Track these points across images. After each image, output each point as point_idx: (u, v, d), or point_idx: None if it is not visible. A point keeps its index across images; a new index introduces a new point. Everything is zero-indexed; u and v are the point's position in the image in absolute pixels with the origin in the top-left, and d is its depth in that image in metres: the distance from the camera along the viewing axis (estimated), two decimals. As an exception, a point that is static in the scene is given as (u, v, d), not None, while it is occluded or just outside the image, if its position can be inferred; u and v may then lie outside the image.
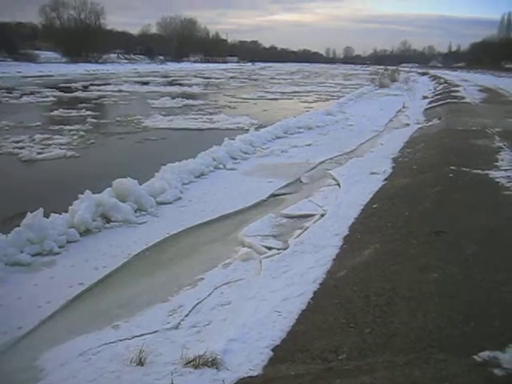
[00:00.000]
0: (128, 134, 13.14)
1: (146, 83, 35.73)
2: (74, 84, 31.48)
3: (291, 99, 25.55)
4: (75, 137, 12.18)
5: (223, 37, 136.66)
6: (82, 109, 17.79)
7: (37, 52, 69.63)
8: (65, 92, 25.45)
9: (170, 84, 35.56)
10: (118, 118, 15.88)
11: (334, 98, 25.86)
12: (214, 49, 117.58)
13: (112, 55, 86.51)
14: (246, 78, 47.94)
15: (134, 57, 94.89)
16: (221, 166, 8.98)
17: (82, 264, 4.80)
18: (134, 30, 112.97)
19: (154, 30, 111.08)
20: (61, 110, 17.20)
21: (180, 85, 34.43)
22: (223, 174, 8.62)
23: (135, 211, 6.24)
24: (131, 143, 11.94)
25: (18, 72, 44.24)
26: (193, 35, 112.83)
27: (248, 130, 12.06)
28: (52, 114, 16.71)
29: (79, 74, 47.87)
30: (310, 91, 31.13)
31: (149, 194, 6.64)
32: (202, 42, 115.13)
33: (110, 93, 25.95)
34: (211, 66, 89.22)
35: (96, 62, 72.38)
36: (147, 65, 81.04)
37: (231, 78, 48.50)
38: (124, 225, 5.86)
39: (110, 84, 33.20)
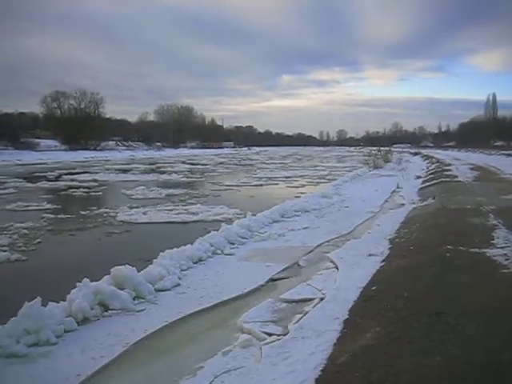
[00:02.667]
0: (89, 230, 11.86)
1: (127, 171, 35.07)
2: (50, 173, 30.98)
3: (277, 184, 25.36)
4: (19, 235, 10.74)
5: (219, 123, 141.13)
6: (43, 201, 16.65)
7: (37, 140, 71.84)
8: (33, 182, 24.43)
9: (153, 171, 35.22)
10: (82, 212, 14.42)
11: (325, 181, 26.03)
12: (211, 134, 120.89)
13: (110, 142, 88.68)
14: (234, 164, 48.31)
15: (132, 144, 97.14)
16: (218, 251, 8.98)
17: (80, 354, 4.72)
18: (132, 118, 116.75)
19: (151, 117, 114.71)
20: (19, 203, 15.87)
21: (162, 172, 33.85)
22: (221, 260, 8.61)
23: (133, 299, 6.20)
24: (90, 241, 10.68)
25: (18, 160, 45.49)
26: (189, 122, 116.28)
27: (233, 220, 11.79)
28: (6, 207, 15.29)
29: (75, 161, 48.92)
30: (300, 175, 31.23)
31: (147, 281, 6.62)
32: (199, 128, 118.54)
33: (81, 183, 24.36)
34: (207, 151, 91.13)
35: (95, 150, 74.31)
36: (145, 151, 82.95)
37: (220, 163, 48.86)
38: (122, 313, 5.81)
39: (88, 172, 32.51)
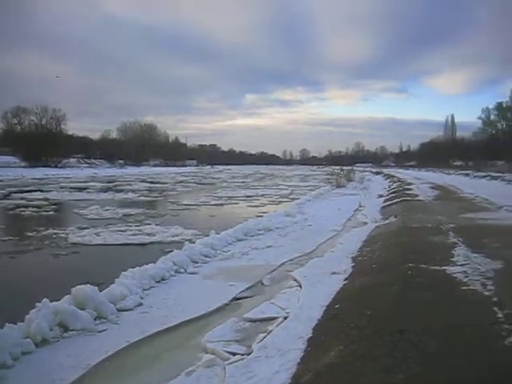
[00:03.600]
0: (34, 252, 11.09)
1: (82, 189, 33.39)
2: (1, 191, 29.48)
3: (238, 204, 24.67)
4: None
5: (182, 141, 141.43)
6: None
7: (-4, 156, 70.23)
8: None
9: (110, 190, 33.89)
10: (28, 233, 13.40)
11: (287, 200, 25.87)
12: (174, 153, 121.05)
13: (72, 160, 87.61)
14: (195, 183, 47.30)
15: (94, 161, 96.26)
16: (182, 270, 8.89)
17: (38, 377, 4.59)
18: (95, 135, 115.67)
19: (114, 134, 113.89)
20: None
21: (119, 191, 32.43)
22: (184, 278, 8.53)
23: (95, 319, 6.07)
24: (35, 264, 10.06)
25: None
26: (153, 140, 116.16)
27: (192, 241, 11.28)
28: None
29: (33, 178, 48.00)
30: (262, 194, 30.67)
31: (109, 300, 6.50)
32: (162, 146, 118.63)
33: (30, 202, 22.57)
34: (170, 169, 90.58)
35: (56, 167, 73.22)
36: (107, 169, 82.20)
37: (181, 182, 48.01)
38: (83, 333, 5.68)
39: (40, 190, 30.58)
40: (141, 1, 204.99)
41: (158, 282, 8.10)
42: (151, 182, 44.84)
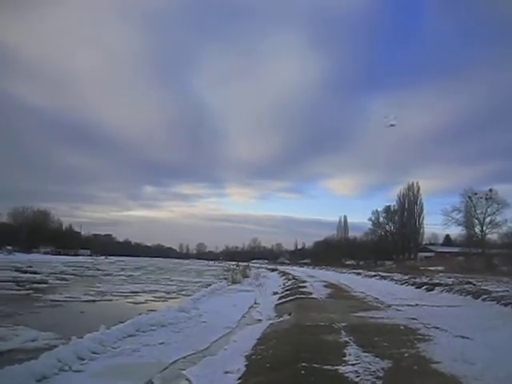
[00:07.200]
0: None
1: None
2: None
3: (115, 300, 21.99)
4: None
5: (77, 229, 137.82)
6: None
7: None
8: None
9: None
10: None
11: (175, 297, 24.29)
12: (67, 241, 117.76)
13: None
14: (75, 274, 42.66)
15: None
16: (66, 367, 8.28)
17: None
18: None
19: (3, 218, 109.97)
20: None
21: None
22: (69, 377, 7.93)
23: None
24: None
25: None
26: (45, 226, 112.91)
27: (55, 346, 9.59)
28: None
29: None
30: (148, 290, 28.00)
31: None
32: (55, 233, 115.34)
33: None
34: (59, 258, 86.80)
35: None
36: (-9, 255, 77.77)
37: (60, 272, 43.82)
38: None
39: None
40: (45, 89, 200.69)
41: (39, 380, 7.49)
42: (24, 272, 40.43)
